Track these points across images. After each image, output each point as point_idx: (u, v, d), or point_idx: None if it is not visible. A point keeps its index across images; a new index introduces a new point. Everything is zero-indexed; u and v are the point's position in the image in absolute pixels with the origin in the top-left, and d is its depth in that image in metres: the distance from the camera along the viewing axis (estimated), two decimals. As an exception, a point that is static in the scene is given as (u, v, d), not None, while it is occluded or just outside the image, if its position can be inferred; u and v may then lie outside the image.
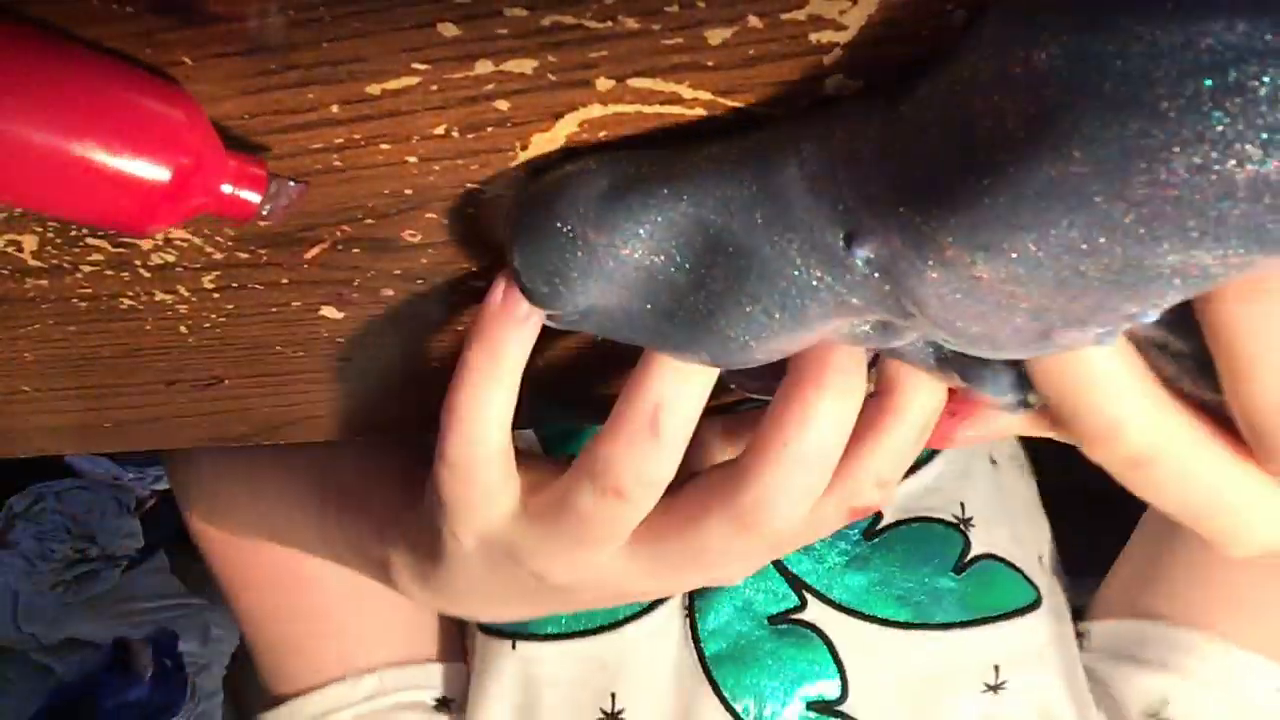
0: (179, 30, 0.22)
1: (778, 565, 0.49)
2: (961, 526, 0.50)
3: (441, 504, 0.31)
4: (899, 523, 0.49)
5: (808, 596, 0.48)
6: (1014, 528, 0.53)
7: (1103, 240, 0.18)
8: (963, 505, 0.51)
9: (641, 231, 0.23)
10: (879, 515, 0.49)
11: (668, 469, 0.27)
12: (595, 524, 0.28)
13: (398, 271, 0.29)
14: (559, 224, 0.24)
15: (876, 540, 0.48)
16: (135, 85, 0.22)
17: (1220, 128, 0.16)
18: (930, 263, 0.20)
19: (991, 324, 0.21)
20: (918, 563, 0.48)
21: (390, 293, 0.30)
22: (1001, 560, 0.50)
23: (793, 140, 0.22)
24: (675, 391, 0.26)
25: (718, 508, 0.27)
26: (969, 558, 0.49)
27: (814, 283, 0.22)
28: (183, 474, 0.56)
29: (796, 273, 0.22)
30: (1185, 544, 0.51)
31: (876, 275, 0.21)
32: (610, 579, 0.30)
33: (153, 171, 0.22)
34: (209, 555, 0.56)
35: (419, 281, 0.30)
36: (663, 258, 0.23)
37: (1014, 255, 0.19)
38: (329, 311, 0.31)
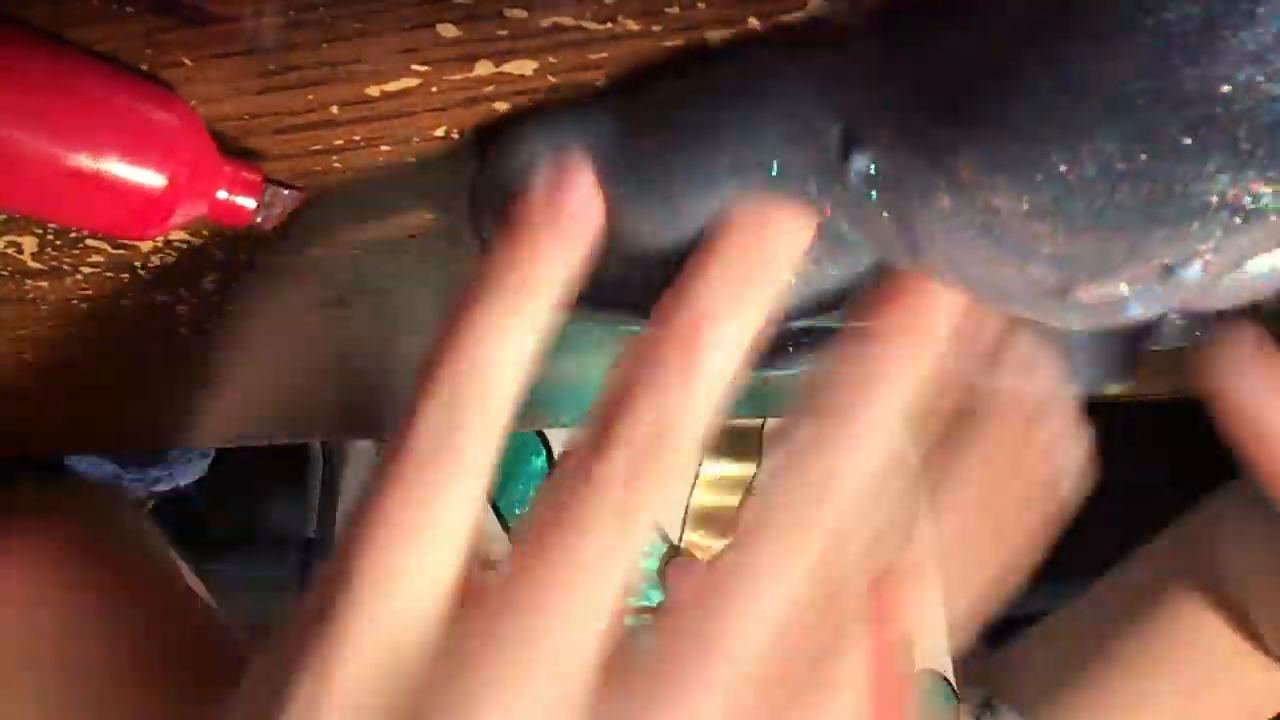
0: (179, 31, 0.22)
1: None
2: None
3: (343, 576, 0.19)
4: None
5: None
6: (943, 634, 0.55)
7: (1143, 156, 0.16)
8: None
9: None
10: None
11: (706, 420, 0.19)
12: (586, 556, 0.18)
13: (398, 272, 0.29)
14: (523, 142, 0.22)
15: None
16: (130, 92, 0.22)
17: None
18: (943, 185, 0.17)
19: (1004, 272, 0.18)
20: None
21: (390, 294, 0.30)
22: (936, 674, 0.52)
23: (788, 47, 0.20)
24: (732, 302, 0.19)
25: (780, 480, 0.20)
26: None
27: (797, 190, 0.19)
28: None
29: (776, 172, 0.19)
30: (1128, 664, 0.52)
31: (875, 195, 0.18)
32: None
33: (148, 178, 0.22)
34: None
35: (419, 282, 0.30)
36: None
37: (1039, 178, 0.16)
38: (329, 312, 0.31)
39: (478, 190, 0.24)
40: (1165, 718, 0.51)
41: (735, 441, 0.51)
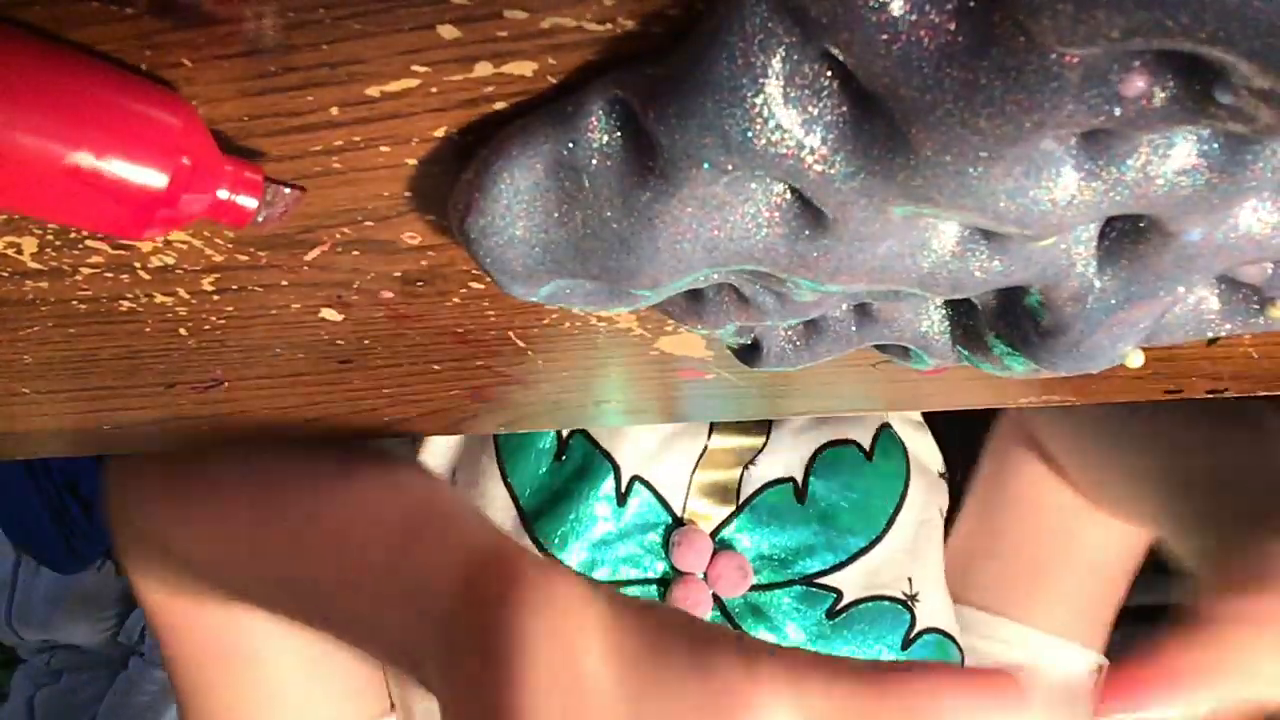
0: (178, 32, 0.22)
1: None
2: (909, 603, 0.55)
3: None
4: (857, 602, 0.53)
5: None
6: (944, 590, 0.59)
7: None
8: (910, 580, 0.55)
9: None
10: (840, 595, 0.53)
11: None
12: None
13: (397, 274, 0.29)
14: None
15: (837, 620, 0.52)
16: (132, 91, 0.22)
17: None
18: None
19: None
20: (871, 640, 0.53)
21: (390, 295, 0.30)
22: (939, 631, 0.55)
23: None
24: None
25: None
26: (914, 633, 0.54)
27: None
28: (135, 549, 0.46)
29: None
30: (1002, 537, 0.58)
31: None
32: None
33: (150, 177, 0.22)
34: (157, 629, 0.48)
35: (419, 284, 0.30)
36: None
37: None
38: (329, 314, 0.31)
39: (455, 191, 0.24)
40: (1024, 581, 0.57)
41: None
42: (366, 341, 0.32)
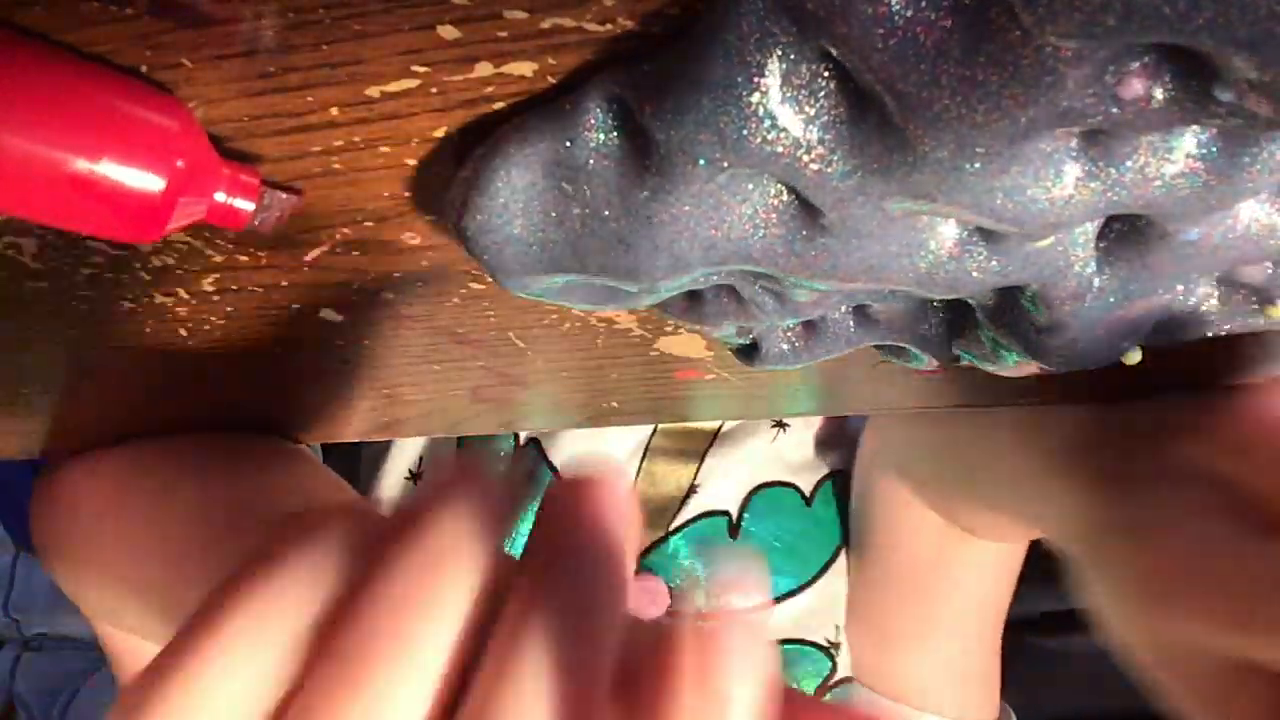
0: (178, 32, 0.22)
1: None
2: (832, 651, 0.54)
3: None
4: (777, 642, 0.51)
5: None
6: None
7: None
8: (837, 628, 0.54)
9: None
10: None
11: None
12: None
13: (398, 274, 0.29)
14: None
15: None
16: (127, 94, 0.22)
17: None
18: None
19: None
20: (788, 682, 0.51)
21: (390, 295, 0.30)
22: (859, 682, 0.54)
23: None
24: None
25: None
26: (833, 682, 0.54)
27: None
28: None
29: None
30: (872, 595, 0.54)
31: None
32: None
33: (146, 181, 0.22)
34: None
35: (419, 284, 0.30)
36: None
37: None
38: (329, 314, 0.31)
39: (453, 189, 0.24)
40: (898, 653, 0.53)
41: (678, 440, 0.52)
42: (366, 341, 0.32)
